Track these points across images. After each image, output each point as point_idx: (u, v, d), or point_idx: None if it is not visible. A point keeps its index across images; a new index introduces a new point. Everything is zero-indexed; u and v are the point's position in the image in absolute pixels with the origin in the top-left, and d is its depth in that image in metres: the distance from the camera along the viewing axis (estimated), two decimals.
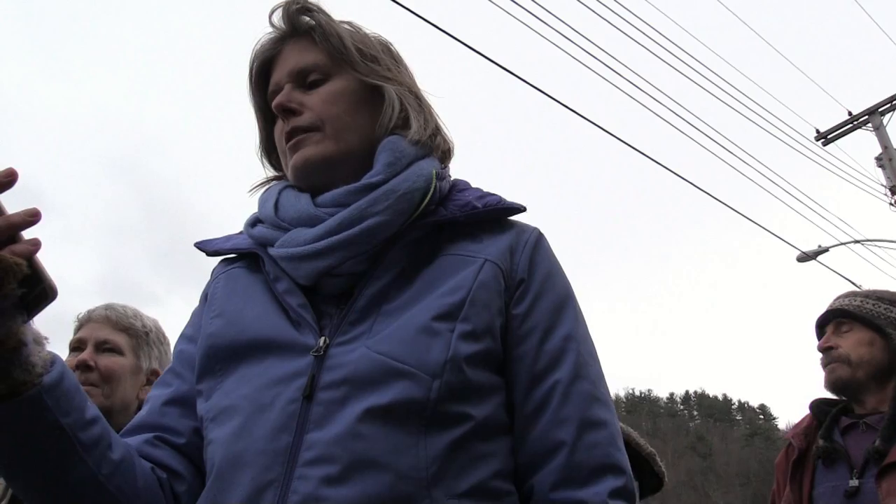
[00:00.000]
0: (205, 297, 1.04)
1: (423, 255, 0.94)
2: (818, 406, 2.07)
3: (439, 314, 0.87)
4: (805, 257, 12.84)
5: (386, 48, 1.06)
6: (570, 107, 6.63)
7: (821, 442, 1.91)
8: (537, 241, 1.00)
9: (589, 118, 6.86)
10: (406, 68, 1.08)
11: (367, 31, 1.06)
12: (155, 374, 1.65)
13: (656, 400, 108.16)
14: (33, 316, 0.73)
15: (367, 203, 0.91)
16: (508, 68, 5.56)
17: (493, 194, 1.02)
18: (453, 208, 0.97)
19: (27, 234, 0.71)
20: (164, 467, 0.92)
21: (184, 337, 1.04)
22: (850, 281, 12.28)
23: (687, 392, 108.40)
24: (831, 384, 2.01)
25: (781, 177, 11.29)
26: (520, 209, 1.01)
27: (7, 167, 0.68)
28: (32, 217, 0.70)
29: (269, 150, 1.09)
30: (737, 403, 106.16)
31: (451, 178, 1.06)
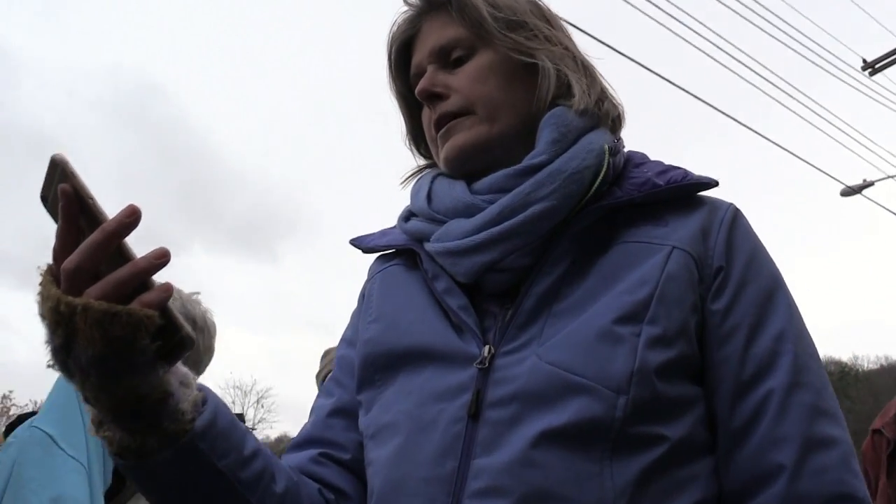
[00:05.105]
0: (362, 297, 0.98)
1: (598, 244, 0.82)
2: None
3: (621, 315, 0.75)
4: (850, 191, 12.53)
5: (535, 6, 0.93)
6: (602, 39, 6.42)
7: None
8: (734, 218, 0.85)
9: (623, 51, 6.65)
10: (562, 28, 0.95)
11: None
12: None
13: None
14: (174, 363, 0.68)
15: (531, 187, 0.80)
16: None
17: (677, 168, 0.88)
18: (630, 188, 0.84)
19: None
20: (332, 487, 0.88)
21: (344, 340, 0.99)
22: (894, 213, 11.96)
23: None
24: None
25: (826, 108, 10.93)
26: (711, 184, 0.86)
27: (129, 205, 0.63)
28: (161, 259, 0.64)
29: (417, 138, 1.00)
30: None
31: (626, 151, 0.92)
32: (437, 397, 0.78)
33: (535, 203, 0.80)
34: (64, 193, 0.62)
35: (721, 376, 0.78)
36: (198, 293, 1.66)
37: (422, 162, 1.02)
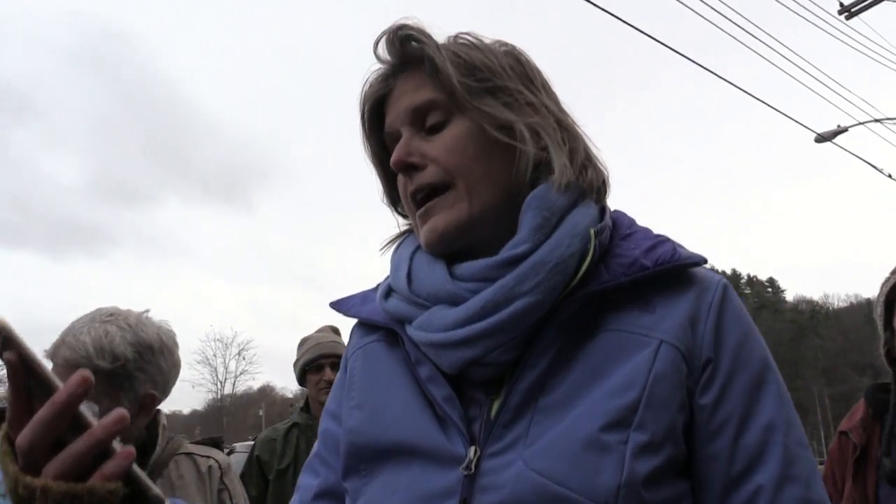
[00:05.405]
0: (344, 369, 0.97)
1: (584, 331, 0.81)
2: (874, 395, 1.98)
3: (608, 422, 0.74)
4: (822, 138, 12.56)
5: (515, 62, 0.89)
6: None
7: (888, 464, 1.82)
8: (723, 300, 0.83)
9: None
10: (543, 84, 0.91)
11: (490, 44, 0.89)
12: (149, 398, 1.47)
13: None
14: None
15: (515, 280, 0.78)
16: None
17: (664, 240, 0.85)
18: (617, 269, 0.81)
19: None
20: None
21: (328, 412, 0.97)
22: (868, 163, 12.00)
23: None
24: None
25: (799, 55, 10.80)
26: (699, 262, 0.83)
27: (80, 373, 0.62)
28: (119, 425, 0.62)
29: (395, 199, 0.96)
30: (746, 277, 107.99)
31: (612, 215, 0.89)
32: (423, 501, 0.77)
33: (519, 298, 0.78)
34: (9, 363, 0.62)
35: (710, 472, 0.78)
36: (147, 311, 1.58)
37: (401, 220, 0.98)
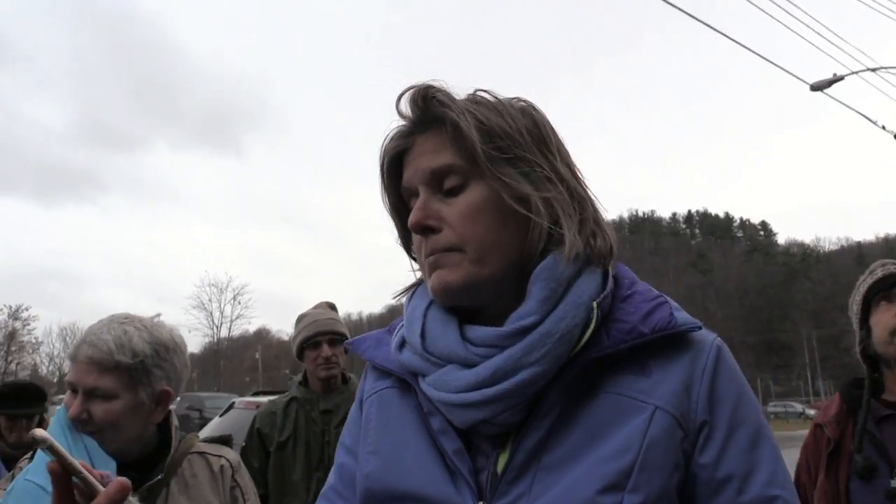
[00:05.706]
0: (359, 407, 1.02)
1: (584, 393, 0.86)
2: (848, 391, 2.01)
3: (604, 485, 0.79)
4: (817, 88, 12.53)
5: (532, 124, 0.91)
6: None
7: (860, 460, 1.84)
8: (716, 363, 0.87)
9: None
10: (557, 147, 0.92)
11: (507, 103, 0.91)
12: (165, 393, 1.57)
13: (659, 220, 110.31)
14: None
15: (522, 351, 0.83)
16: None
17: (662, 303, 0.89)
18: (616, 335, 0.86)
19: None
20: None
21: (343, 447, 1.02)
22: (860, 114, 11.98)
23: (689, 211, 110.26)
24: None
25: (794, 3, 10.67)
26: (694, 328, 0.87)
27: (120, 480, 0.70)
28: None
29: (409, 244, 0.99)
30: (738, 221, 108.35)
31: (613, 275, 0.93)
32: None
33: (526, 368, 0.82)
34: (53, 472, 0.71)
35: None
36: (159, 315, 1.66)
37: (415, 265, 1.01)
